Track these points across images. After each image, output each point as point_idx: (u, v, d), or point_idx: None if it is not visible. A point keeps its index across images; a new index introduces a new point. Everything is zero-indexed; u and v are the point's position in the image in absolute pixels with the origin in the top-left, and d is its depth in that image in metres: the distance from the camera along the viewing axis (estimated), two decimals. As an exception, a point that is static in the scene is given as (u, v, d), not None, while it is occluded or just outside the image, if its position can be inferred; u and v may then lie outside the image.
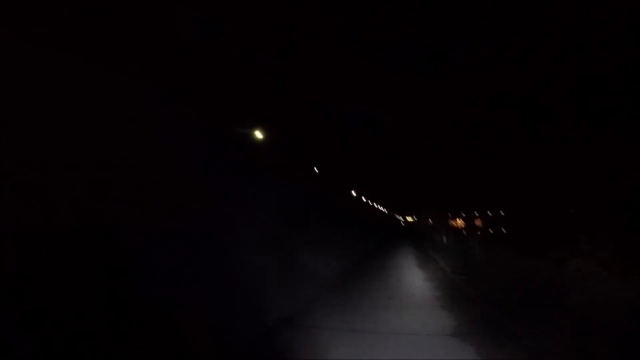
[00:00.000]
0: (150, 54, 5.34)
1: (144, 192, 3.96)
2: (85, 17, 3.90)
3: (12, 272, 2.41)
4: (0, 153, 2.55)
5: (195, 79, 6.89)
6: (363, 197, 30.58)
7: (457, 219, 35.33)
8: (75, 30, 3.72)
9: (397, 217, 66.13)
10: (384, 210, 48.49)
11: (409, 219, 67.57)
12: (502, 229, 22.29)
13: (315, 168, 15.95)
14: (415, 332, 4.56)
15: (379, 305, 5.94)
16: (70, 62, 3.51)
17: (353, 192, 25.31)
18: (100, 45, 4.03)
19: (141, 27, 5.02)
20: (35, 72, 3.06)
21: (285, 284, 5.70)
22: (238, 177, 6.60)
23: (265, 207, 7.12)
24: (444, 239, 21.08)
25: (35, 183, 2.82)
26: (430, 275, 9.47)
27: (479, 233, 22.20)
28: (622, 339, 4.04)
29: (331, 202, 16.92)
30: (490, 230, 23.59)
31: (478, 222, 25.77)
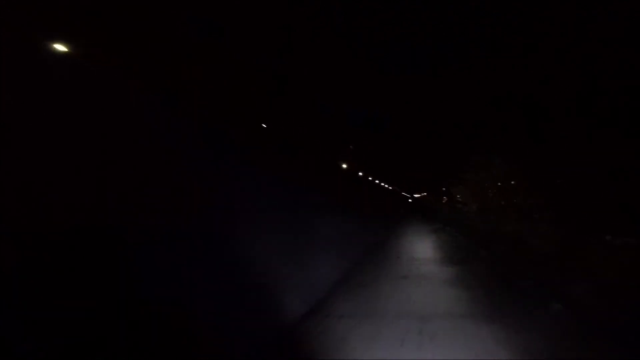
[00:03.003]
0: (150, 54, 5.34)
1: (145, 192, 3.96)
2: (86, 17, 3.90)
3: (12, 272, 2.41)
4: (0, 153, 2.55)
5: (196, 79, 6.88)
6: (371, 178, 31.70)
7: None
8: (76, 30, 3.72)
9: (405, 194, 67.66)
10: (391, 187, 50.26)
11: (417, 195, 70.01)
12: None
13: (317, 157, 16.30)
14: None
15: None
16: (71, 63, 3.51)
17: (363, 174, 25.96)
18: (101, 46, 4.03)
19: (142, 28, 5.02)
20: (35, 72, 3.06)
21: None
22: (240, 176, 6.59)
23: (274, 201, 7.13)
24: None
25: (36, 183, 2.81)
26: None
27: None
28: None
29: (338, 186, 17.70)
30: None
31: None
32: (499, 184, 15.19)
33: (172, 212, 4.35)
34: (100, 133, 3.60)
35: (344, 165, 23.47)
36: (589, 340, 3.66)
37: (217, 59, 8.27)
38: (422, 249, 10.22)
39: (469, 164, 16.27)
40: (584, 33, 7.85)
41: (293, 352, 3.34)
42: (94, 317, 2.69)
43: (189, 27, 6.90)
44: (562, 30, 8.35)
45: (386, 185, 47.34)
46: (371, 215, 21.26)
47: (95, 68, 3.83)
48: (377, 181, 39.27)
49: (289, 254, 6.03)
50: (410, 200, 64.45)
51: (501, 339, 3.49)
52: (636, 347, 3.31)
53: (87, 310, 2.67)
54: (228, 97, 8.63)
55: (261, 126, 9.98)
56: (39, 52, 3.16)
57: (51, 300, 2.51)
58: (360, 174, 29.43)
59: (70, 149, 3.22)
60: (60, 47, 3.42)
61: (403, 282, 6.04)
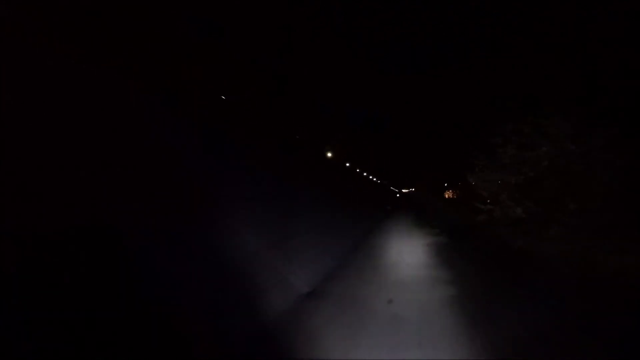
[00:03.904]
0: (150, 54, 5.34)
1: (144, 192, 3.96)
2: (86, 17, 3.90)
3: (12, 272, 2.41)
4: (0, 153, 2.55)
5: (196, 79, 6.89)
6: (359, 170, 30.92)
7: (451, 190, 32.98)
8: (76, 30, 3.72)
9: (393, 189, 67.51)
10: (377, 180, 50.13)
11: (405, 190, 70.07)
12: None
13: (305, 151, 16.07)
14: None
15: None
16: (71, 62, 3.51)
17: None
18: (101, 46, 4.03)
19: (141, 28, 5.02)
20: (35, 72, 3.06)
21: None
22: (237, 176, 6.60)
23: (265, 200, 7.13)
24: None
25: (36, 183, 2.81)
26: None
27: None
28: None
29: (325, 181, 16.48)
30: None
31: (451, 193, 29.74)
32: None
33: (172, 211, 4.35)
34: (100, 133, 3.61)
35: (329, 155, 21.92)
36: None
37: (217, 59, 8.27)
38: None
39: (504, 133, 9.52)
40: (584, 33, 7.85)
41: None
42: (94, 317, 2.69)
43: (189, 27, 6.90)
44: (562, 30, 8.35)
45: (374, 179, 46.84)
46: (344, 215, 13.93)
47: (95, 68, 3.83)
48: (364, 173, 38.60)
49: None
50: (398, 195, 62.31)
51: None
52: None
53: (86, 310, 2.68)
54: (228, 97, 8.64)
55: (260, 125, 10.00)
56: (39, 52, 3.16)
57: (51, 300, 2.51)
58: (348, 165, 28.54)
59: (70, 149, 3.22)
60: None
61: None
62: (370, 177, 43.67)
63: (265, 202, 7.27)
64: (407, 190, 70.68)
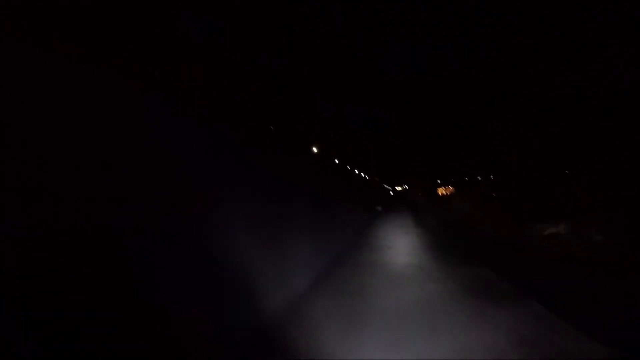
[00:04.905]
0: (150, 54, 5.34)
1: (144, 192, 3.96)
2: (85, 17, 3.90)
3: (12, 272, 2.41)
4: (0, 153, 2.55)
5: (196, 79, 6.89)
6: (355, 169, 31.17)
7: (447, 186, 37.23)
8: (75, 30, 3.72)
9: (386, 186, 64.51)
10: (369, 178, 49.17)
11: (398, 188, 67.51)
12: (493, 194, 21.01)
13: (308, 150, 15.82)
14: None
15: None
16: (70, 62, 3.51)
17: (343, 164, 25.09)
18: (100, 46, 4.03)
19: (141, 28, 5.02)
20: (35, 72, 3.06)
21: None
22: (238, 177, 6.60)
23: (265, 201, 7.13)
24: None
25: (36, 183, 2.81)
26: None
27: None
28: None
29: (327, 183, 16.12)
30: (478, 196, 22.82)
31: (448, 190, 33.72)
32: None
33: (172, 212, 4.35)
34: (100, 133, 3.60)
35: (315, 149, 21.15)
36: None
37: (217, 59, 8.27)
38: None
39: None
40: (584, 33, 7.85)
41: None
42: (94, 317, 2.69)
43: (189, 27, 6.89)
44: (562, 30, 8.35)
45: (366, 176, 46.15)
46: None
47: (95, 68, 3.83)
48: (356, 171, 38.28)
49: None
50: (391, 194, 60.46)
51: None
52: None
53: (86, 310, 2.68)
54: (228, 97, 8.63)
55: (260, 125, 10.00)
56: (39, 52, 3.15)
57: (51, 300, 2.51)
58: (337, 161, 28.01)
59: (70, 149, 3.22)
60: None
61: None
62: (362, 174, 43.32)
63: (264, 202, 7.27)
64: (400, 188, 68.15)
